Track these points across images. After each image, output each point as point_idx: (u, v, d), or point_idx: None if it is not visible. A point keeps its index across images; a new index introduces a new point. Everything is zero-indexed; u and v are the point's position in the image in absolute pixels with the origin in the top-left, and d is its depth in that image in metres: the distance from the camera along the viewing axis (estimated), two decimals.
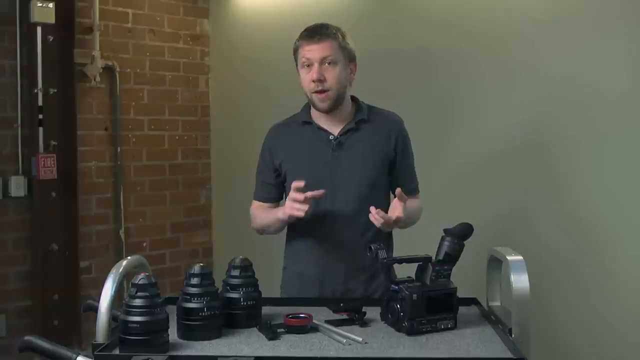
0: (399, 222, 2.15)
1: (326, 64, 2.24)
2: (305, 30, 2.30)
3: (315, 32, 2.27)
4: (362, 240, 2.23)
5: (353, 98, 2.37)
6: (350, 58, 2.30)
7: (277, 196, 2.42)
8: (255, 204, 2.44)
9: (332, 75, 2.24)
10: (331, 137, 2.30)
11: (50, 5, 3.80)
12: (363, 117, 2.32)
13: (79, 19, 4.11)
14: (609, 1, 2.85)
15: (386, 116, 2.38)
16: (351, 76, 2.32)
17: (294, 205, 2.13)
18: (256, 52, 4.43)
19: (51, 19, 3.82)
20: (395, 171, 2.35)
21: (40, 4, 3.77)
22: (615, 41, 2.80)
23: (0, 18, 3.83)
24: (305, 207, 2.12)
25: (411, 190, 2.38)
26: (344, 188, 2.26)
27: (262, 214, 2.38)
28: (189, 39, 4.68)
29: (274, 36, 4.25)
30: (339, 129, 2.31)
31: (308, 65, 2.26)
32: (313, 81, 2.24)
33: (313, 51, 2.24)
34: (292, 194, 2.14)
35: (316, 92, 2.24)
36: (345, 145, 2.30)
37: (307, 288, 2.30)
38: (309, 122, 2.33)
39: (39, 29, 3.82)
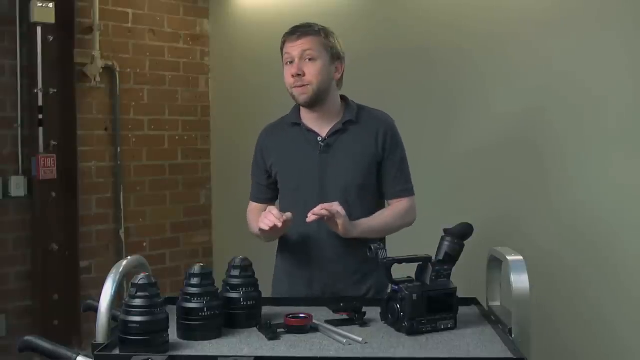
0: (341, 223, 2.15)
1: (306, 60, 2.25)
2: (289, 29, 2.32)
3: (297, 29, 2.30)
4: (348, 244, 2.23)
5: (343, 98, 2.37)
6: (334, 57, 2.31)
7: (271, 197, 2.42)
8: (252, 205, 2.45)
9: (311, 70, 2.25)
10: (319, 138, 2.30)
11: (50, 5, 3.80)
12: (351, 117, 2.32)
13: (79, 19, 4.11)
14: (608, 1, 2.85)
15: (375, 116, 2.36)
16: (335, 75, 2.32)
17: (264, 220, 2.15)
18: (256, 52, 4.43)
19: (51, 19, 3.82)
20: (383, 172, 2.32)
21: (40, 4, 3.77)
22: (615, 41, 2.79)
23: (0, 18, 3.83)
24: (271, 222, 2.12)
25: (401, 191, 2.34)
26: (332, 190, 2.26)
27: (254, 222, 2.35)
28: (189, 39, 4.68)
29: (274, 36, 4.19)
30: (327, 131, 2.31)
31: (290, 62, 2.28)
32: (293, 76, 2.25)
33: (293, 47, 2.27)
34: (271, 211, 2.16)
35: (296, 86, 2.26)
36: (333, 147, 2.29)
37: (295, 288, 2.30)
38: (298, 124, 2.34)
39: (39, 29, 3.82)
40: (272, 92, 4.15)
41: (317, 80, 2.25)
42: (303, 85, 2.25)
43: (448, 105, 3.40)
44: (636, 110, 2.75)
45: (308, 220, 2.13)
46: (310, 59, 2.25)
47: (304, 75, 2.25)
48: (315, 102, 2.28)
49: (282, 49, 2.33)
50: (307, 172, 2.29)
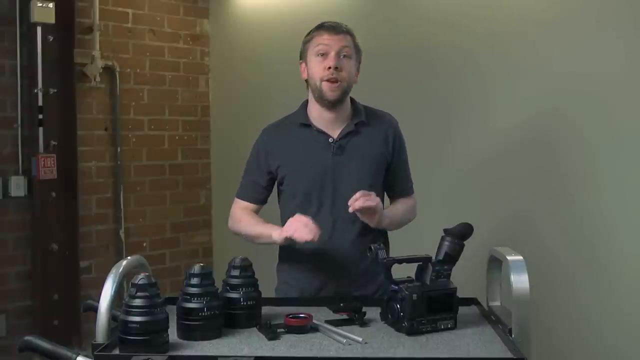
0: (377, 215, 2.15)
1: (342, 56, 2.24)
2: (324, 22, 2.30)
3: (336, 25, 2.29)
4: (360, 244, 2.22)
5: (350, 99, 2.36)
6: (358, 60, 2.32)
7: (265, 197, 2.40)
8: (240, 203, 2.39)
9: (346, 67, 2.24)
10: (331, 140, 2.29)
11: (50, 5, 3.80)
12: (361, 119, 2.31)
13: (79, 19, 4.12)
14: (608, 1, 2.85)
15: (382, 117, 2.38)
16: (355, 78, 2.32)
17: (301, 228, 2.08)
18: (256, 52, 4.43)
19: (51, 19, 3.82)
20: (390, 172, 2.35)
21: (40, 4, 3.77)
22: (615, 40, 2.80)
23: (0, 18, 3.83)
24: (313, 232, 2.06)
25: (406, 189, 2.40)
26: (344, 191, 2.24)
27: (251, 222, 2.33)
28: (189, 39, 4.68)
29: (274, 36, 4.25)
30: (338, 132, 2.30)
31: (323, 54, 2.24)
32: (329, 68, 2.22)
33: (332, 41, 2.24)
34: (301, 219, 2.10)
35: (329, 80, 2.23)
36: (346, 149, 2.29)
37: (303, 290, 2.29)
38: (308, 125, 2.31)
39: (39, 29, 3.82)
40: (272, 92, 4.18)
41: (348, 78, 2.26)
42: (337, 81, 2.23)
43: (448, 105, 3.40)
44: (636, 110, 2.75)
45: (350, 210, 2.09)
46: (345, 56, 2.25)
47: (341, 70, 2.23)
48: (340, 101, 2.27)
49: (310, 40, 2.29)
50: (320, 174, 2.27)
